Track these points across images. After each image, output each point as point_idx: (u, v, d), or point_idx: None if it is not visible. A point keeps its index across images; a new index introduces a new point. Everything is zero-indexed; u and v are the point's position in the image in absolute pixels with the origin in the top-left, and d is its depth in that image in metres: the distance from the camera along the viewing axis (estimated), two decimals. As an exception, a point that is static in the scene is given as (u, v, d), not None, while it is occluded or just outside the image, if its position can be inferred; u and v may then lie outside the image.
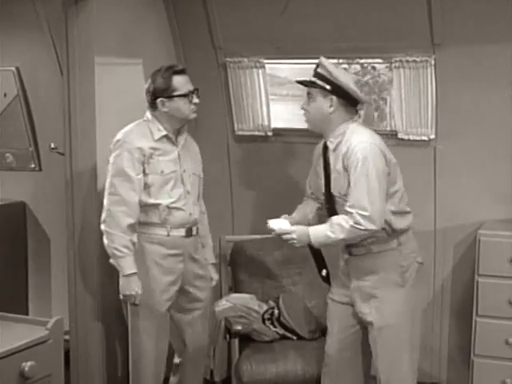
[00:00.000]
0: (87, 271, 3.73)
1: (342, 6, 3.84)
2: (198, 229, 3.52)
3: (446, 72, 3.82)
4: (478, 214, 3.89)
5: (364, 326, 3.27)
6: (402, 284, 3.20)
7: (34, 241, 4.81)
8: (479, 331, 3.63)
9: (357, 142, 3.11)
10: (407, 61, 3.84)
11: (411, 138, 3.97)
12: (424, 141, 3.97)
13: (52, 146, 4.29)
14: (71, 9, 3.56)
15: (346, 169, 3.12)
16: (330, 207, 3.27)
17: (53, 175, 4.41)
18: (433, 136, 3.95)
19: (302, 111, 3.28)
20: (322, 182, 3.29)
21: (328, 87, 3.16)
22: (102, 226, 3.31)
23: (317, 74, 3.21)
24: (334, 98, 3.16)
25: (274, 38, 4.06)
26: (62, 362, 2.67)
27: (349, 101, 3.19)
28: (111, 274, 3.76)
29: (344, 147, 3.14)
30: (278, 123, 4.35)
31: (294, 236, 3.15)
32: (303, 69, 4.17)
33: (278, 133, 4.35)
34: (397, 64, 3.87)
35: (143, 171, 3.33)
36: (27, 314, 4.65)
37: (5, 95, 4.63)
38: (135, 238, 3.31)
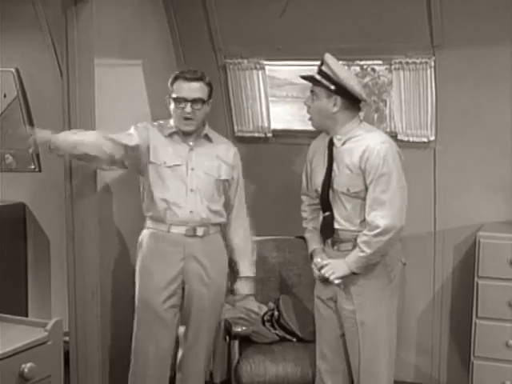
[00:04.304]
0: (87, 272, 3.72)
1: (342, 8, 3.84)
2: (208, 231, 3.43)
3: (446, 73, 3.82)
4: (477, 216, 3.90)
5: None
6: (387, 283, 3.22)
7: (33, 242, 4.81)
8: (479, 333, 3.63)
9: (376, 142, 3.12)
10: (407, 62, 3.84)
11: (411, 139, 3.98)
12: (424, 142, 3.97)
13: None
14: (71, 10, 3.56)
15: (362, 168, 3.11)
16: (324, 203, 3.26)
17: (52, 176, 4.40)
18: (432, 137, 3.95)
19: (305, 108, 3.26)
20: (322, 177, 3.26)
21: (332, 87, 3.14)
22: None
23: (321, 72, 3.17)
24: (338, 98, 3.15)
25: (273, 40, 4.06)
26: (61, 363, 2.67)
27: (352, 100, 3.17)
28: (111, 275, 3.77)
29: (359, 145, 3.13)
30: (277, 125, 4.35)
31: (332, 267, 3.18)
32: (303, 70, 4.16)
33: (278, 134, 4.35)
34: (396, 65, 3.87)
35: (148, 160, 3.38)
36: (27, 314, 4.64)
37: (4, 96, 4.63)
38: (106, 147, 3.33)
